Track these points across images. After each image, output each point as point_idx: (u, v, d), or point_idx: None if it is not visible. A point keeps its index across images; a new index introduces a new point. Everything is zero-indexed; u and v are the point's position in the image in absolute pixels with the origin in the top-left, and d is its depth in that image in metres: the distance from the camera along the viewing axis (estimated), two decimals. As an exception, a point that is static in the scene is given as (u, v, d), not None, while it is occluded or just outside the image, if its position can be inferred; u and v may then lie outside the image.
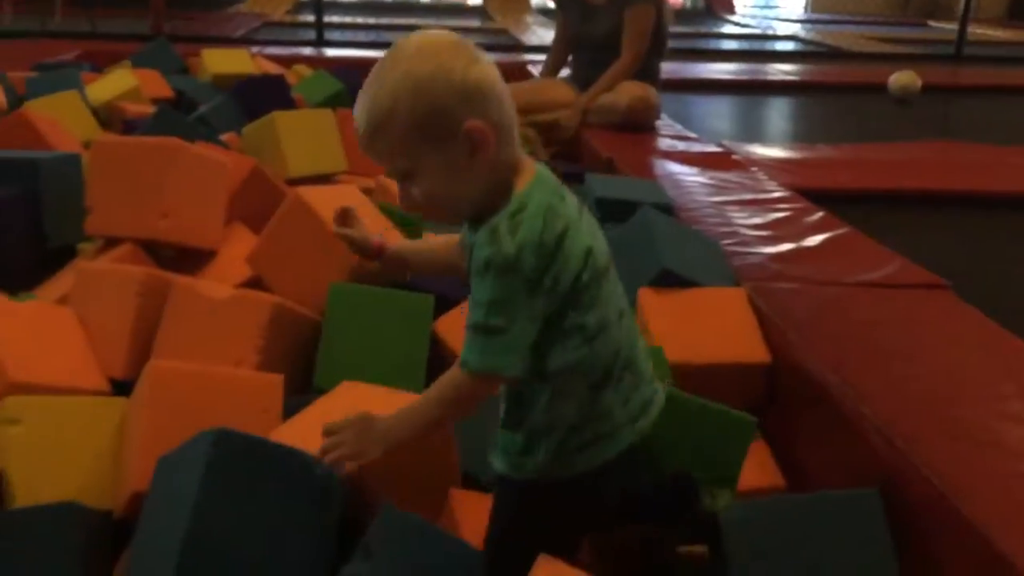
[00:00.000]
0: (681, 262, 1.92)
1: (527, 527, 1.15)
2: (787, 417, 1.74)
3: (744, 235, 2.37)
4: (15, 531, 1.36)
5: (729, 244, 2.27)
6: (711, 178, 2.98)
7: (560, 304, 1.06)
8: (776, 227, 2.47)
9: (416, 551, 1.18)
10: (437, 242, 1.35)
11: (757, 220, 2.52)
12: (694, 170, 3.09)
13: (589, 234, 1.11)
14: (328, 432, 1.15)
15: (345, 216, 1.34)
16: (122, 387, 1.76)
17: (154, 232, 2.17)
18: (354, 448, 1.12)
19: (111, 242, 2.25)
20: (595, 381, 1.12)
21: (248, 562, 1.18)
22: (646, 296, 1.86)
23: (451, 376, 1.10)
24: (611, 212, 2.43)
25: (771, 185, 2.96)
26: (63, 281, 2.18)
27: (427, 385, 1.78)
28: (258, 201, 2.49)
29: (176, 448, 1.31)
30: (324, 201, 2.03)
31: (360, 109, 1.07)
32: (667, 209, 2.48)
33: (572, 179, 2.95)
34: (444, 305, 2.01)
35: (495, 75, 1.07)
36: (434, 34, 1.08)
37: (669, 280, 1.88)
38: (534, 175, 1.09)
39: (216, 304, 1.83)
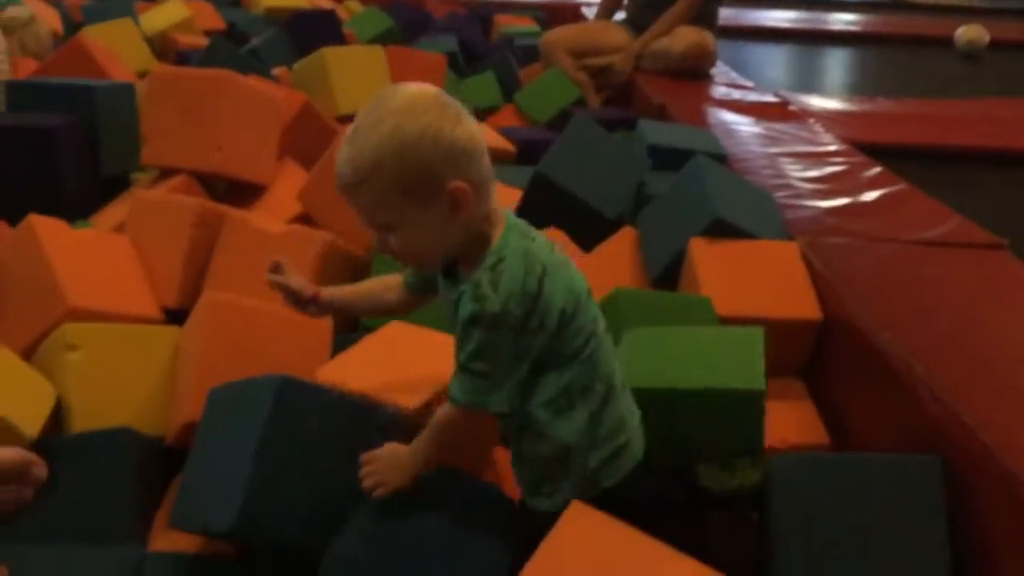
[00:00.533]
0: (734, 213, 1.89)
1: None
2: (835, 376, 1.72)
3: (799, 188, 2.32)
4: (72, 455, 1.39)
5: (783, 197, 2.23)
6: (766, 129, 2.92)
7: (549, 338, 1.10)
8: (832, 181, 2.41)
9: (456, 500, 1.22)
10: (373, 287, 1.36)
11: (812, 173, 2.47)
12: (749, 120, 3.03)
13: (564, 267, 1.14)
14: (365, 462, 1.20)
15: (277, 266, 1.34)
16: (174, 316, 1.79)
17: (209, 165, 2.19)
18: (383, 477, 1.18)
19: (165, 173, 2.27)
20: (603, 395, 1.16)
21: (309, 505, 1.21)
22: (697, 246, 1.84)
23: (445, 409, 1.14)
24: (663, 160, 2.40)
25: (828, 138, 2.89)
26: (118, 210, 2.22)
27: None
28: (309, 137, 2.50)
29: (231, 384, 1.34)
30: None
31: (345, 160, 1.08)
32: (720, 159, 2.44)
33: (622, 125, 2.92)
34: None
35: (478, 133, 1.10)
36: (421, 90, 1.09)
37: (721, 230, 1.85)
38: (506, 223, 1.12)
39: (268, 238, 1.85)
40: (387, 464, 1.18)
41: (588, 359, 1.14)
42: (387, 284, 1.33)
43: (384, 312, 1.44)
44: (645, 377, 1.33)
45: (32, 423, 1.47)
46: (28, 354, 1.66)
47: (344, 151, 1.08)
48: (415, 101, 1.06)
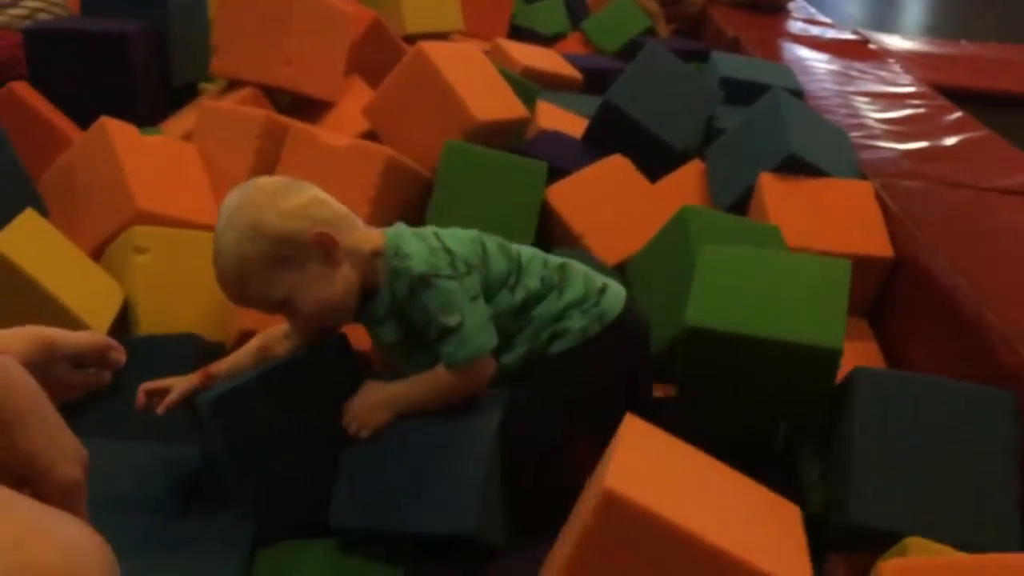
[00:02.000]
0: (810, 149, 1.84)
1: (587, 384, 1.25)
2: (901, 318, 1.68)
3: (875, 129, 2.25)
4: (138, 356, 1.42)
5: (858, 137, 2.16)
6: (844, 67, 2.83)
7: (487, 272, 1.20)
8: (910, 123, 2.33)
9: None
10: (264, 343, 1.31)
11: (890, 115, 2.38)
12: (825, 57, 2.94)
13: (454, 231, 1.24)
14: (343, 411, 1.21)
15: (155, 391, 1.29)
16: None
17: (277, 79, 2.18)
18: (364, 419, 1.19)
19: (233, 84, 2.27)
20: (552, 283, 1.25)
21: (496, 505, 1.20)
22: (767, 181, 1.79)
23: (442, 376, 1.17)
24: (735, 93, 2.33)
25: (907, 79, 2.79)
26: (186, 118, 2.23)
27: (536, 248, 1.81)
28: (376, 55, 2.48)
29: None
30: (447, 58, 1.99)
31: (220, 273, 1.15)
32: (796, 95, 2.37)
33: (694, 58, 2.84)
34: (556, 174, 1.99)
35: (311, 189, 1.19)
36: (239, 192, 1.17)
37: (795, 166, 1.80)
38: (384, 234, 1.21)
39: (333, 152, 1.84)
40: (365, 407, 1.20)
41: (528, 265, 1.24)
42: (275, 337, 1.31)
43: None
44: (711, 315, 1.28)
45: (100, 321, 1.51)
46: (97, 254, 1.70)
47: (216, 270, 1.16)
48: (243, 200, 1.15)
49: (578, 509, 1.05)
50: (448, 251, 1.18)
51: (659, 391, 1.47)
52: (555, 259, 1.29)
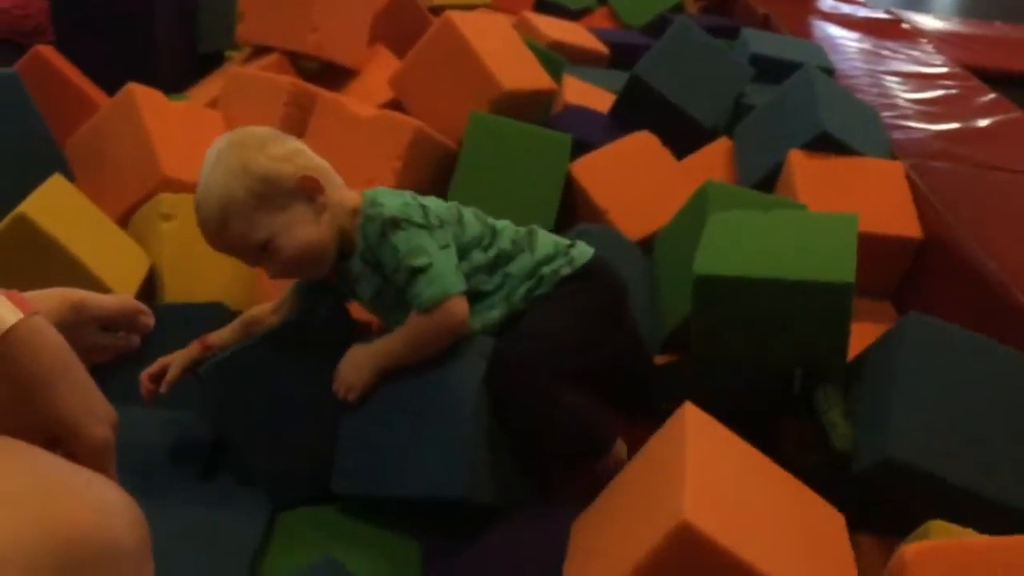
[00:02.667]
0: (841, 127, 1.81)
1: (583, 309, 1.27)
2: (930, 302, 1.65)
3: (907, 109, 2.22)
4: (165, 324, 1.42)
5: (890, 117, 2.13)
6: (875, 46, 2.78)
7: (461, 232, 1.23)
8: (942, 104, 2.30)
9: None
10: (256, 315, 1.34)
11: (923, 95, 2.35)
12: (857, 35, 2.89)
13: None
14: (333, 379, 1.21)
15: (156, 374, 1.28)
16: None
17: (303, 45, 2.17)
18: (349, 381, 1.20)
19: (259, 51, 2.27)
20: (522, 244, 1.28)
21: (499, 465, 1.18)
22: (796, 158, 1.77)
23: (416, 322, 1.18)
24: (765, 71, 2.30)
25: (940, 59, 2.74)
26: (212, 85, 2.23)
27: (559, 222, 1.80)
28: (401, 24, 2.46)
29: None
30: (474, 28, 1.98)
31: (204, 212, 1.16)
32: (828, 73, 2.33)
33: (723, 34, 2.80)
34: (582, 149, 1.98)
35: (298, 141, 1.23)
36: (227, 135, 1.20)
37: (825, 144, 1.78)
38: (362, 193, 1.23)
39: (360, 122, 1.84)
40: (349, 369, 1.20)
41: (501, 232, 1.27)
42: (263, 312, 1.33)
43: None
44: (718, 263, 1.26)
45: (127, 288, 1.52)
46: (123, 221, 1.71)
47: (199, 211, 1.17)
48: (233, 141, 1.18)
49: (628, 500, 1.02)
50: (422, 206, 1.21)
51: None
52: (525, 228, 1.32)
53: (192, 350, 1.27)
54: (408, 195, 1.23)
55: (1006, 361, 1.20)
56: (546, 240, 1.30)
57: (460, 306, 1.18)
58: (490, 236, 1.27)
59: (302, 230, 1.16)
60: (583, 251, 1.30)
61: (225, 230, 1.15)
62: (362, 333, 1.29)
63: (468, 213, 1.27)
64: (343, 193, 1.22)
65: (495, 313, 1.25)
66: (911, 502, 1.10)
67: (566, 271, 1.27)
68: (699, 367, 1.36)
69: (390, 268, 1.19)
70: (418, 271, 1.16)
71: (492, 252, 1.25)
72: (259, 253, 1.17)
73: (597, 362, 1.27)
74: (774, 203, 1.60)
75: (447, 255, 1.19)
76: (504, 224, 1.30)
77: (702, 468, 0.95)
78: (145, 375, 1.25)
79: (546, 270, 1.27)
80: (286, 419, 1.20)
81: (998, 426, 1.14)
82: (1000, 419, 1.15)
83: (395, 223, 1.17)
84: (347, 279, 1.26)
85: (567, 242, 1.31)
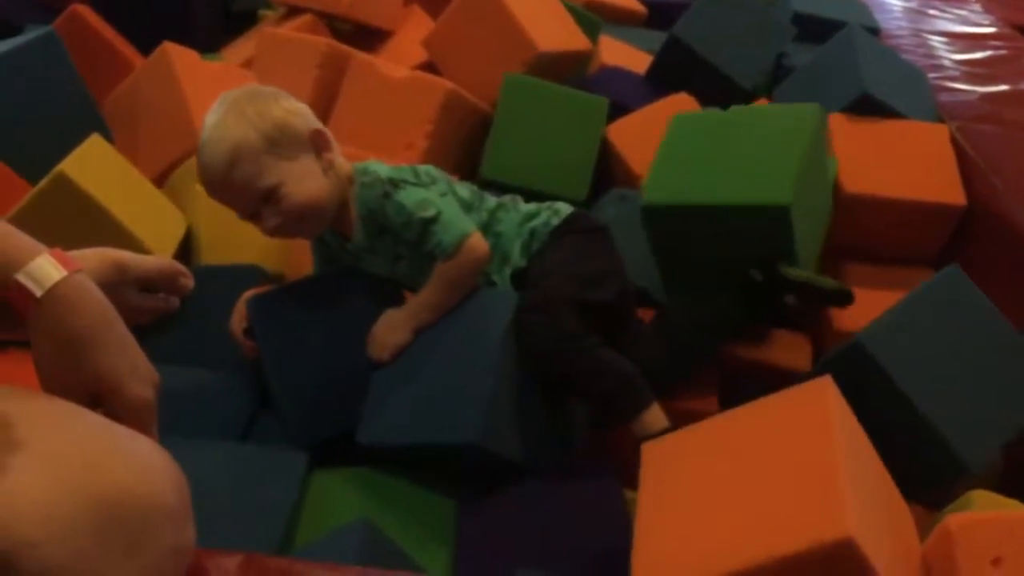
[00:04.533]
0: (884, 89, 1.77)
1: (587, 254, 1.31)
2: (974, 269, 1.61)
3: (953, 70, 2.16)
4: (202, 286, 1.43)
5: (936, 78, 2.07)
6: (922, 5, 2.71)
7: (453, 192, 1.27)
8: (991, 65, 2.23)
9: None
10: None
11: (969, 56, 2.28)
12: (903, -6, 2.81)
13: None
14: (368, 340, 1.24)
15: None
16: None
17: (337, 6, 2.16)
18: (383, 340, 1.22)
19: (292, 11, 2.25)
20: (505, 204, 1.33)
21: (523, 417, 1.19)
22: (837, 122, 1.73)
23: (444, 268, 1.21)
24: (807, 30, 2.25)
25: (988, 19, 2.66)
26: (246, 45, 2.22)
27: (594, 187, 1.78)
28: (437, -16, 2.43)
29: None
30: (509, -12, 1.95)
31: (210, 156, 1.17)
32: (873, 32, 2.27)
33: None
34: (618, 112, 1.95)
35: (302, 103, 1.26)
36: (238, 88, 1.22)
37: (868, 106, 1.74)
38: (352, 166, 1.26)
39: (393, 83, 1.82)
40: (384, 330, 1.23)
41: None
42: None
43: None
44: (663, 190, 1.34)
45: (164, 249, 1.52)
46: (159, 181, 1.71)
47: (207, 153, 1.17)
48: (245, 91, 1.21)
49: (749, 471, 0.92)
50: (412, 169, 1.26)
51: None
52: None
53: (252, 295, 1.31)
54: (392, 165, 1.27)
55: (1012, 340, 1.26)
56: (527, 202, 1.35)
57: (479, 241, 1.22)
58: (478, 199, 1.31)
59: (310, 182, 1.18)
60: (563, 205, 1.35)
61: (232, 173, 1.16)
62: (400, 299, 1.30)
63: (454, 180, 1.32)
64: (340, 159, 1.25)
65: (500, 273, 1.29)
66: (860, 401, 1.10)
67: (555, 221, 1.31)
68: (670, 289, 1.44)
69: (399, 225, 1.22)
70: (430, 221, 1.20)
71: (484, 214, 1.30)
72: (259, 202, 1.18)
73: (612, 295, 1.28)
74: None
75: (450, 201, 1.24)
76: (482, 191, 1.35)
77: (850, 467, 0.88)
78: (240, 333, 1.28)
79: (536, 223, 1.31)
80: (319, 358, 1.24)
81: (972, 378, 1.21)
82: (983, 368, 1.22)
83: (394, 183, 1.21)
84: (356, 254, 1.28)
85: (546, 202, 1.36)
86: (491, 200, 1.32)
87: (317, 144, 1.20)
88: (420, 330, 1.22)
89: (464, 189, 1.31)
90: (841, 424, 0.92)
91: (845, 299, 1.33)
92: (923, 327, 1.24)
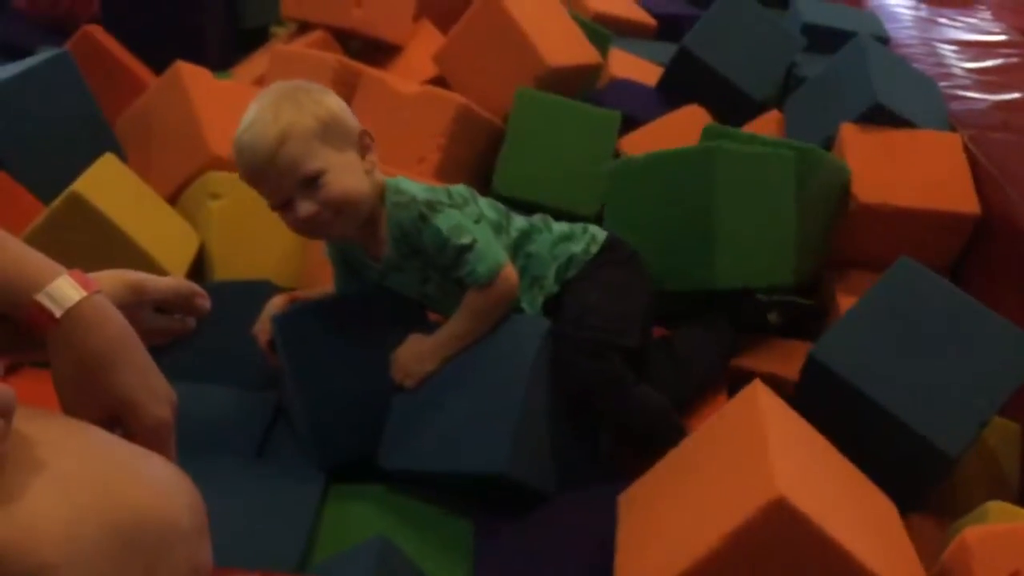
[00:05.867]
0: (896, 99, 1.76)
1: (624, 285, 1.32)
2: (988, 279, 1.61)
3: (965, 79, 2.15)
4: (215, 302, 1.43)
5: (947, 87, 2.07)
6: (931, 13, 2.70)
7: (474, 207, 1.26)
8: (1003, 73, 2.22)
9: None
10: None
11: (981, 64, 2.27)
12: (912, 3, 2.80)
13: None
14: (392, 361, 1.24)
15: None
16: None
17: (347, 21, 2.17)
18: (408, 369, 1.22)
19: (303, 28, 2.27)
20: (536, 224, 1.32)
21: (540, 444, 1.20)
22: (849, 133, 1.72)
23: (476, 298, 1.20)
24: (818, 41, 2.25)
25: (999, 27, 2.65)
26: (258, 63, 2.23)
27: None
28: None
29: None
30: (519, 2, 1.96)
31: (259, 132, 1.14)
32: (883, 42, 2.27)
33: (774, 2, 2.74)
34: (629, 124, 1.95)
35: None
36: (289, 80, 1.21)
37: (880, 116, 1.73)
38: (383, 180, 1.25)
39: (404, 98, 1.83)
40: (409, 358, 1.22)
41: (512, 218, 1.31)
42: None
43: None
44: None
45: (177, 266, 1.53)
46: (172, 199, 1.72)
47: (255, 131, 1.15)
48: (301, 83, 1.20)
49: (695, 476, 1.00)
50: (444, 189, 1.25)
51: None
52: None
53: (279, 301, 1.31)
54: (423, 183, 1.26)
55: (985, 322, 1.26)
56: (560, 223, 1.34)
57: (512, 273, 1.22)
58: (506, 219, 1.30)
59: (351, 177, 1.17)
60: (598, 231, 1.34)
61: (280, 151, 1.13)
62: (424, 322, 1.30)
63: (481, 198, 1.30)
64: (378, 169, 1.24)
65: (529, 298, 1.28)
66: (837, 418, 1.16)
67: (594, 249, 1.31)
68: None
69: (433, 250, 1.20)
70: (465, 249, 1.19)
71: (513, 234, 1.28)
72: (298, 188, 1.15)
73: (647, 335, 1.30)
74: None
75: (484, 228, 1.23)
76: (510, 211, 1.33)
77: (782, 445, 0.94)
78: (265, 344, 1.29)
79: (576, 250, 1.30)
80: (342, 379, 1.23)
81: (942, 364, 1.21)
82: (947, 365, 1.22)
83: (431, 205, 1.19)
84: (386, 272, 1.26)
85: (580, 224, 1.35)
86: (520, 220, 1.31)
87: (364, 144, 1.20)
88: (447, 360, 1.21)
89: (491, 210, 1.29)
90: (772, 414, 0.98)
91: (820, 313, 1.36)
92: (879, 326, 1.25)
